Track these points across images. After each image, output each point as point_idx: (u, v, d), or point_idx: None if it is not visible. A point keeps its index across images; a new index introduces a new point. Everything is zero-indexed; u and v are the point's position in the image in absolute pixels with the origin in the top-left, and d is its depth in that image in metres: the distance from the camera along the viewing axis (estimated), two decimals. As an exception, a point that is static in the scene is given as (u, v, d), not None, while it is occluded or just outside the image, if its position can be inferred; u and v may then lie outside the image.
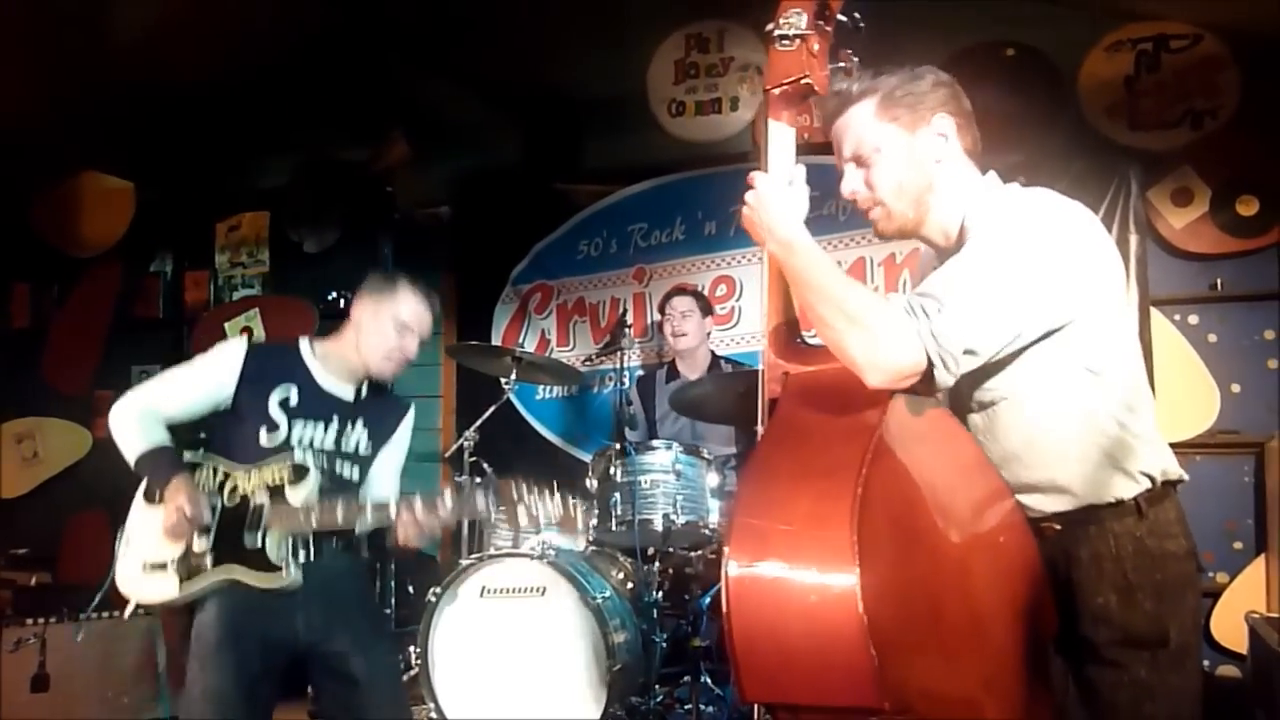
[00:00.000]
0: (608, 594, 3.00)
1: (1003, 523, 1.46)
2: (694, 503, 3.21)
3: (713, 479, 3.28)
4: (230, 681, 2.14)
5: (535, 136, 4.66)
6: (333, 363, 2.40)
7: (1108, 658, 1.47)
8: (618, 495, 3.20)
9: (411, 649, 3.31)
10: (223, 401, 2.32)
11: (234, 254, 4.92)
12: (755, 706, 1.39)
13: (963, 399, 1.54)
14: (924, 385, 1.39)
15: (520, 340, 4.60)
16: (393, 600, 4.31)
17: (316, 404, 2.34)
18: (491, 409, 3.72)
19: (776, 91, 1.52)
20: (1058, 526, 1.51)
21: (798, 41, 1.48)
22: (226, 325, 4.82)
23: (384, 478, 2.48)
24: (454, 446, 3.79)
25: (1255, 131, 3.63)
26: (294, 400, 2.31)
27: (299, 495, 2.21)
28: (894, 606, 1.20)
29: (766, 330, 1.53)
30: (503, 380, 3.66)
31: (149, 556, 2.23)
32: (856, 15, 1.54)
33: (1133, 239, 3.74)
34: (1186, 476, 1.55)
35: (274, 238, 4.88)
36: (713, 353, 3.95)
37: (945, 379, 1.38)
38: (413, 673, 3.42)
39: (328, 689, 2.35)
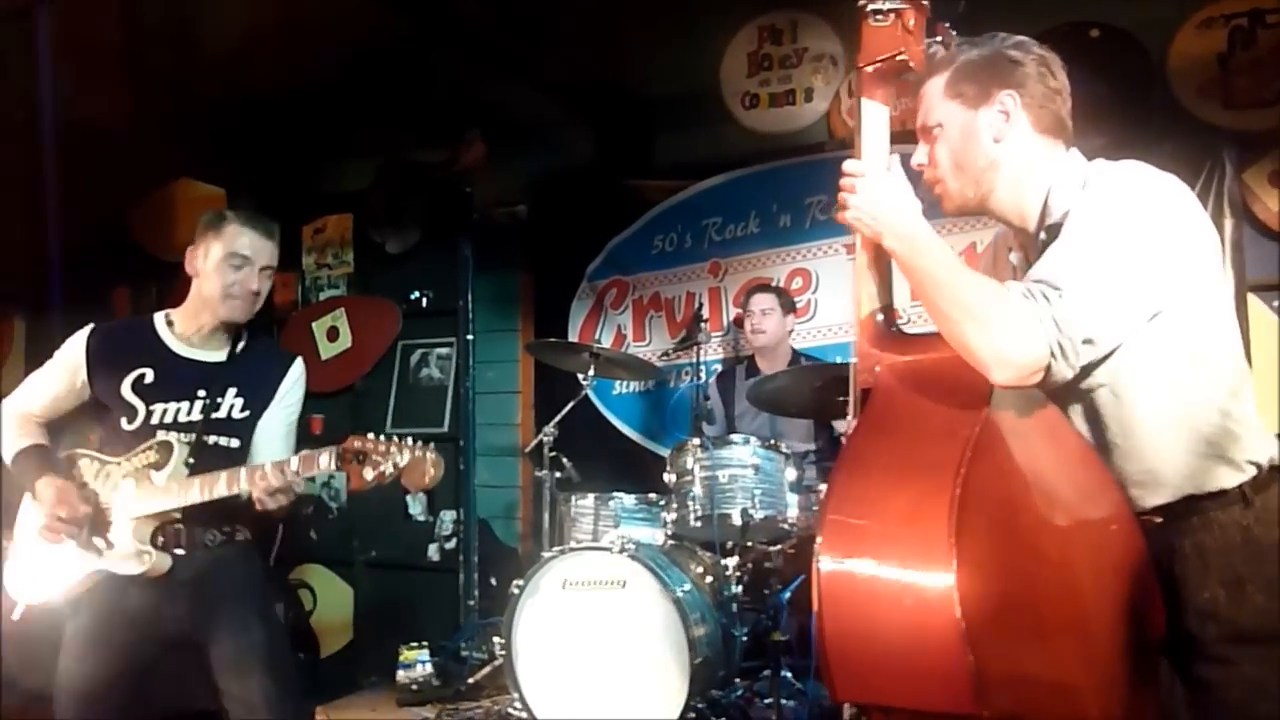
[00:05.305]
0: (688, 587, 3.02)
1: (1109, 518, 1.40)
2: (772, 497, 3.20)
3: (791, 474, 3.26)
4: (94, 677, 2.10)
5: (609, 134, 4.68)
6: (189, 326, 2.27)
7: (1216, 655, 1.41)
8: (696, 490, 3.20)
9: (496, 640, 3.38)
10: (83, 393, 2.26)
11: (320, 256, 5.02)
12: (845, 704, 1.37)
13: (1059, 387, 1.48)
14: (1041, 381, 1.32)
15: (597, 336, 4.62)
16: (476, 592, 4.42)
17: (176, 377, 2.22)
18: (570, 405, 3.76)
19: (870, 69, 1.47)
20: (1158, 520, 1.45)
21: (892, 16, 1.44)
22: (314, 325, 4.93)
23: (271, 441, 2.30)
24: (534, 442, 3.86)
25: (1358, 109, 3.46)
26: (149, 378, 2.20)
27: (163, 476, 2.13)
28: (993, 608, 1.16)
29: (858, 319, 1.48)
30: (580, 376, 3.70)
31: (36, 557, 2.20)
32: None
33: (1228, 222, 3.58)
34: None
35: (358, 239, 4.97)
36: (793, 349, 3.91)
37: (1064, 371, 1.31)
38: (497, 663, 3.50)
39: (218, 679, 2.20)
